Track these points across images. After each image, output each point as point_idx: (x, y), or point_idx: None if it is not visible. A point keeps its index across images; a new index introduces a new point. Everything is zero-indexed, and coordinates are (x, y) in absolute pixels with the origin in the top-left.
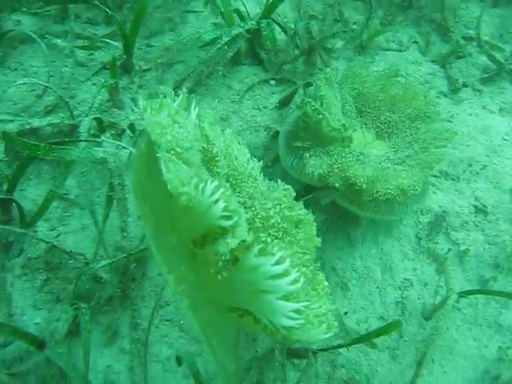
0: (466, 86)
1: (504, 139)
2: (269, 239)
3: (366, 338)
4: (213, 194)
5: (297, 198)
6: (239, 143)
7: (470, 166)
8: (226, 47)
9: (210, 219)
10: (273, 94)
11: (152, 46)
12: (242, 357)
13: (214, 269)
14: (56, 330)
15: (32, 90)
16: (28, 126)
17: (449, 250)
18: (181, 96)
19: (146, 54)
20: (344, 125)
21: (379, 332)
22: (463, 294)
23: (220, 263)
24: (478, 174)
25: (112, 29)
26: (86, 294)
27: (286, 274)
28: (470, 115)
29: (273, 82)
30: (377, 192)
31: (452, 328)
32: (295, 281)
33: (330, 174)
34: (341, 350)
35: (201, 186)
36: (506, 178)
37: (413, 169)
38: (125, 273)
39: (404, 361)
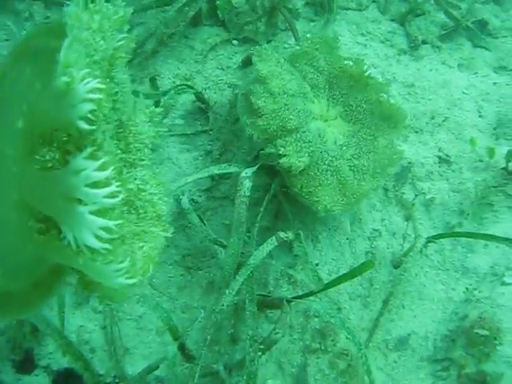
0: (426, 43)
1: (463, 93)
2: (104, 143)
3: (341, 281)
4: (91, 92)
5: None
6: None
7: (433, 118)
8: (186, 8)
9: (73, 114)
10: (235, 53)
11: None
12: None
13: (40, 165)
14: None
15: None
16: None
17: (416, 196)
18: None
19: None
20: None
21: (353, 273)
22: (431, 239)
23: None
24: (440, 125)
25: None
26: None
27: (106, 183)
28: (431, 70)
29: (235, 42)
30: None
31: (420, 274)
32: (113, 194)
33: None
34: (313, 299)
35: (88, 78)
36: (466, 129)
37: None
38: None
39: (375, 307)
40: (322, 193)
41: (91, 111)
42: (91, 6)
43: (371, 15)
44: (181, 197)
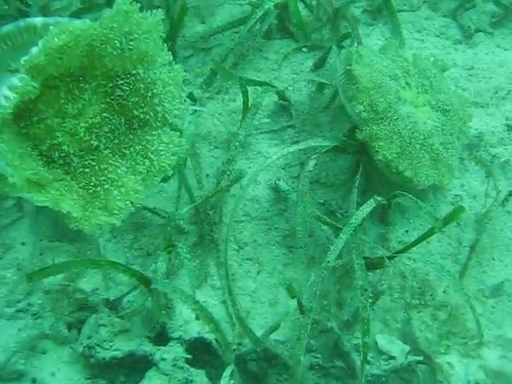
0: (479, 32)
1: None
2: None
3: (436, 229)
4: None
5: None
6: None
7: (496, 93)
8: (257, 26)
9: None
10: (306, 59)
11: (186, 36)
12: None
13: None
14: (155, 271)
15: None
16: None
17: (493, 157)
18: None
19: (183, 43)
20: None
21: (446, 220)
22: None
23: None
24: (504, 98)
25: None
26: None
27: None
28: (487, 54)
29: (305, 50)
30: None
31: (505, 229)
32: None
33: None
34: (407, 261)
35: None
36: None
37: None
38: (205, 220)
39: None
40: (420, 169)
41: None
42: None
43: (424, 14)
44: (277, 182)
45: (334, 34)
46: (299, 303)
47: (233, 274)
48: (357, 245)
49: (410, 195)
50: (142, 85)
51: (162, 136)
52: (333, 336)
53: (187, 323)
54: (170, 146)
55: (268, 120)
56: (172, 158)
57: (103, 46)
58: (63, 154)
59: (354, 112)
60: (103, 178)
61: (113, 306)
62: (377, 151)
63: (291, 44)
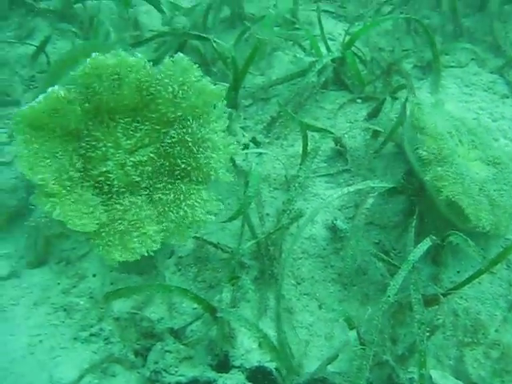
0: None
1: None
2: None
3: (492, 264)
4: None
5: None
6: None
7: None
8: (314, 78)
9: None
10: (361, 109)
11: (246, 87)
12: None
13: None
14: (220, 301)
15: None
16: None
17: None
18: None
19: (243, 93)
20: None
21: (496, 259)
22: None
23: None
24: None
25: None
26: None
27: None
28: None
29: (359, 101)
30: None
31: None
32: None
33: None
34: (460, 301)
35: None
36: None
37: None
38: (265, 255)
39: None
40: (480, 211)
41: None
42: None
43: (472, 70)
44: (334, 221)
45: (386, 87)
46: (359, 335)
47: (291, 308)
48: (414, 281)
49: (462, 234)
50: (190, 138)
51: (203, 192)
52: (387, 369)
53: (248, 352)
54: (208, 204)
55: (325, 164)
56: (206, 215)
57: (158, 88)
58: (109, 183)
59: (418, 156)
60: (130, 216)
61: (177, 334)
62: (440, 190)
63: (346, 95)
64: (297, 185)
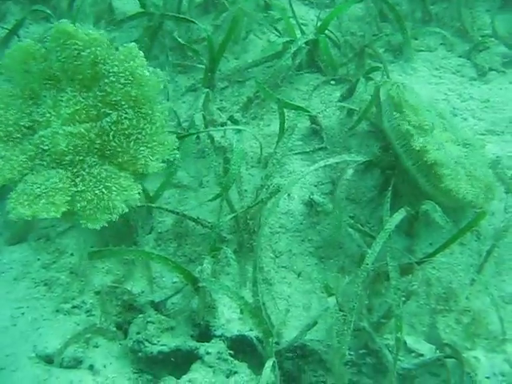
0: (492, 70)
1: None
2: None
3: (462, 234)
4: None
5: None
6: None
7: (511, 122)
8: (288, 61)
9: None
10: (334, 91)
11: (222, 71)
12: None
13: None
14: (201, 272)
15: None
16: None
17: (510, 178)
18: None
19: (219, 75)
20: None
21: (470, 224)
22: None
23: None
24: None
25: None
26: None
27: None
28: (501, 89)
29: (333, 82)
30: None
31: None
32: None
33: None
34: (432, 270)
35: None
36: None
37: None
38: (244, 229)
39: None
40: (459, 181)
41: None
42: None
43: (441, 54)
44: (311, 196)
45: (358, 69)
46: (337, 301)
47: (270, 279)
48: (391, 249)
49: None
50: (126, 125)
51: (123, 180)
52: (364, 335)
53: (229, 322)
54: (125, 193)
55: (300, 143)
56: (122, 203)
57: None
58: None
59: (400, 130)
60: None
61: (157, 307)
62: (426, 159)
63: (320, 77)
64: (274, 161)
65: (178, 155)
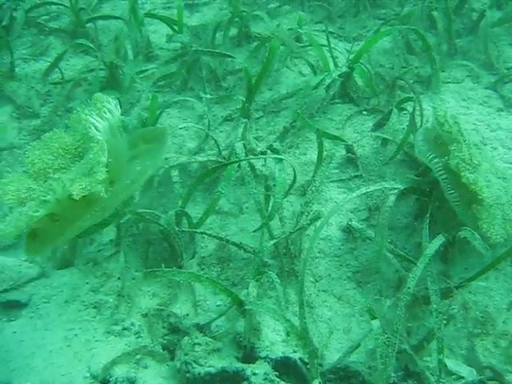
0: None
1: None
2: None
3: (499, 261)
4: None
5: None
6: None
7: None
8: (322, 92)
9: None
10: (366, 121)
11: (256, 101)
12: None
13: None
14: (247, 295)
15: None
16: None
17: None
18: None
19: (254, 106)
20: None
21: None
22: None
23: None
24: None
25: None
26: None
27: None
28: None
29: (365, 113)
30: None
31: None
32: None
33: None
34: (469, 295)
35: None
36: None
37: None
38: (285, 254)
39: None
40: (495, 228)
41: None
42: None
43: (468, 85)
44: (350, 222)
45: (389, 100)
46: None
47: (311, 303)
48: (431, 273)
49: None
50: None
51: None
52: (405, 357)
53: (273, 344)
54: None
55: (337, 171)
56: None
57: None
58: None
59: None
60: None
61: (202, 330)
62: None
63: (352, 108)
64: (313, 188)
65: None
